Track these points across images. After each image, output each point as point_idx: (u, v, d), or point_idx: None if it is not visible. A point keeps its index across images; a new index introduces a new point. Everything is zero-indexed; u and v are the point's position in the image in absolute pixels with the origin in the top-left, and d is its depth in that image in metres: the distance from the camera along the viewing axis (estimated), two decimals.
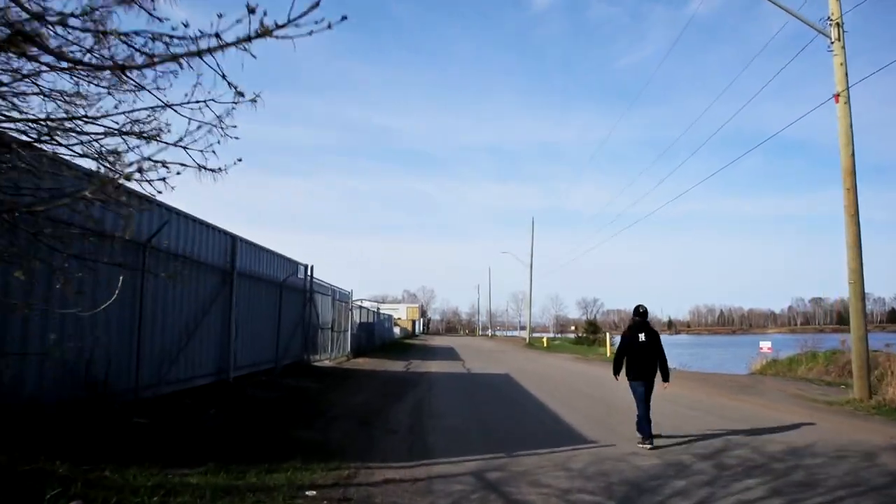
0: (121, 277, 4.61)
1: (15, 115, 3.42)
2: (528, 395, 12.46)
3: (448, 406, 10.44)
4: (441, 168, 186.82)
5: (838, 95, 11.45)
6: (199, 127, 3.21)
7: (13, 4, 2.57)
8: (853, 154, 11.28)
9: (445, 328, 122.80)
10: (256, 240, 13.26)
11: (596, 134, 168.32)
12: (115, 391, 6.62)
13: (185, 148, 3.08)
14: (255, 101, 3.22)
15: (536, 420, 9.21)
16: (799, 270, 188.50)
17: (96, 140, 3.38)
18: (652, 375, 7.47)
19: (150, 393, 7.51)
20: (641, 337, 7.52)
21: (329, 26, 2.28)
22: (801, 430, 8.27)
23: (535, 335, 57.21)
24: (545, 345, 46.81)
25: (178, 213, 8.49)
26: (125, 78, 3.01)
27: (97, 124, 3.25)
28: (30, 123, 3.39)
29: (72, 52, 2.83)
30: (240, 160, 3.19)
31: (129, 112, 3.26)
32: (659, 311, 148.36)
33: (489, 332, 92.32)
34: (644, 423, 7.17)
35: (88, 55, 2.84)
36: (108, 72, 2.84)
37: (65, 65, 2.85)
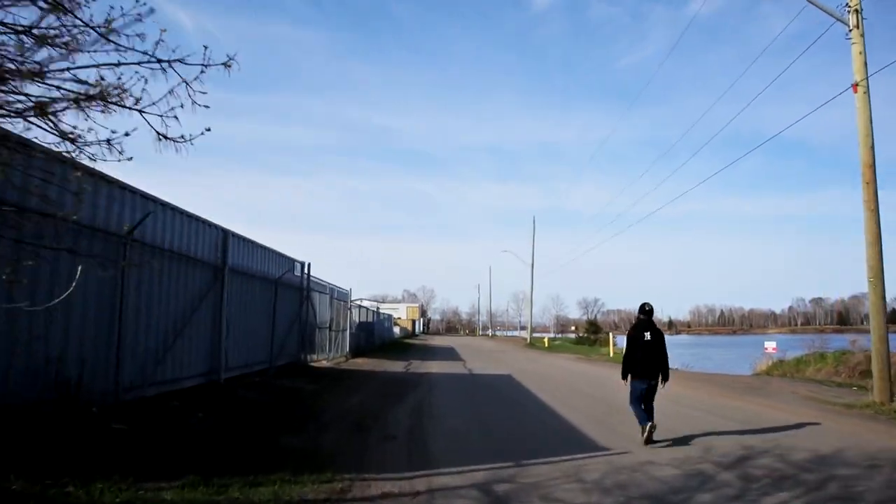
0: (80, 268, 4.14)
1: None
2: (533, 397, 11.98)
3: (450, 408, 9.96)
4: (441, 168, 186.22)
5: (857, 85, 10.96)
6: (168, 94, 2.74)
7: None
8: (872, 146, 10.80)
9: (446, 328, 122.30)
10: (257, 239, 12.82)
11: (596, 134, 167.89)
12: (92, 393, 6.15)
13: (140, 111, 2.60)
14: (229, 66, 2.75)
15: (543, 424, 8.73)
16: (799, 271, 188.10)
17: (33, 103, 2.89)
18: (656, 374, 7.32)
19: (133, 395, 7.03)
20: (647, 336, 7.36)
21: None
22: (824, 436, 7.79)
23: (536, 335, 56.74)
24: (546, 345, 46.34)
25: (164, 204, 8.01)
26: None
27: (40, 83, 2.76)
28: None
29: None
30: (208, 129, 2.73)
31: (72, 69, 2.77)
32: (659, 311, 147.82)
33: (489, 332, 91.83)
34: (641, 419, 7.25)
35: None
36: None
37: None
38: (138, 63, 2.60)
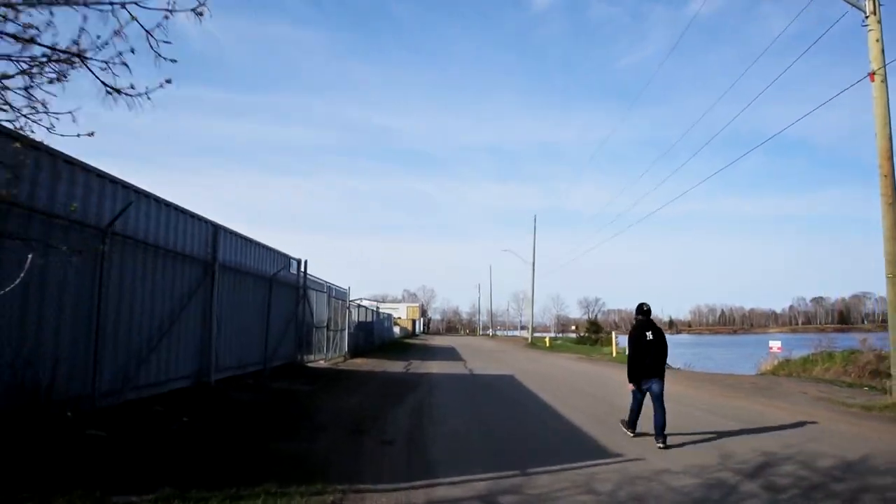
0: (29, 256, 3.71)
1: None
2: (537, 399, 11.54)
3: (450, 411, 9.52)
4: (441, 168, 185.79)
5: (874, 74, 10.54)
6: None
7: None
8: (890, 136, 10.38)
9: (446, 328, 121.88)
10: (257, 238, 12.43)
11: (596, 134, 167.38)
12: (66, 398, 5.72)
13: (80, 57, 2.16)
14: (201, 14, 2.31)
15: (548, 427, 8.30)
16: (800, 270, 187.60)
17: None
18: (660, 374, 7.25)
19: (113, 400, 6.60)
20: (649, 335, 7.30)
21: None
22: (847, 440, 7.37)
23: (537, 335, 56.31)
24: (548, 345, 45.90)
25: (149, 195, 7.58)
26: None
27: None
28: None
29: None
30: (168, 81, 2.28)
31: None
32: (660, 311, 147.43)
33: (490, 332, 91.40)
34: (634, 416, 7.33)
35: None
36: None
37: None
38: (84, 3, 2.17)
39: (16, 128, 2.60)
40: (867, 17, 10.62)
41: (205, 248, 9.29)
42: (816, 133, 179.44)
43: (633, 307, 7.92)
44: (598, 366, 22.40)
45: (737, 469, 5.83)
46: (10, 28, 2.15)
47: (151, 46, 2.35)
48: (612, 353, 30.04)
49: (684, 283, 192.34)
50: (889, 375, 11.17)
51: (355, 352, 23.01)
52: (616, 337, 35.34)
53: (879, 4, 10.58)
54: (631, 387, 7.37)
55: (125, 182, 6.92)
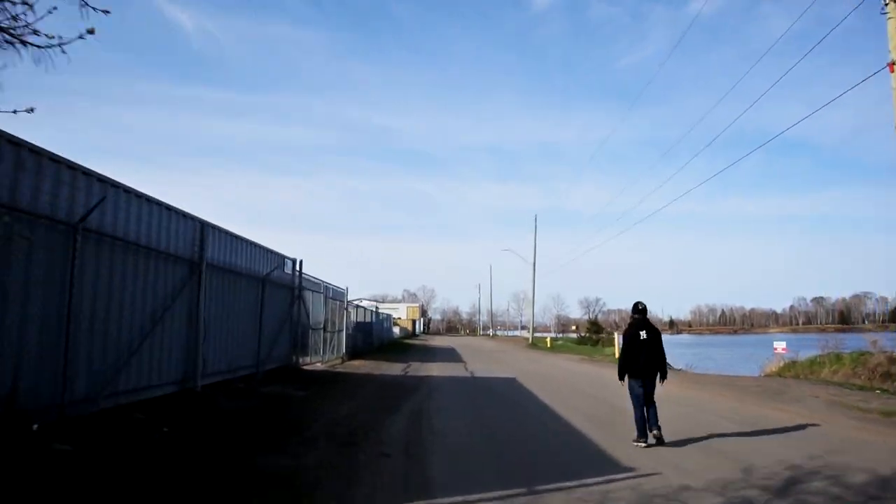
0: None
1: None
2: (540, 404, 11.06)
3: (451, 418, 9.03)
4: (441, 168, 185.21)
5: (893, 64, 10.05)
6: None
7: None
8: None
9: (446, 328, 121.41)
10: (257, 239, 12.02)
11: (596, 134, 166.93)
12: (32, 409, 5.24)
13: None
14: None
15: (555, 436, 7.81)
16: (800, 270, 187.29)
17: None
18: (653, 374, 7.23)
19: (86, 408, 6.11)
20: (643, 335, 7.26)
21: None
22: (875, 452, 6.89)
23: (537, 335, 55.84)
24: (549, 345, 45.43)
25: (128, 190, 7.09)
26: None
27: None
28: None
29: None
30: (91, 32, 1.80)
31: None
32: (660, 311, 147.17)
33: (490, 332, 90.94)
34: (640, 422, 7.04)
35: None
36: None
37: None
38: None
39: None
40: (886, 5, 10.14)
41: (191, 247, 8.81)
42: (818, 133, 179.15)
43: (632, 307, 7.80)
44: (600, 367, 21.93)
45: (762, 485, 5.35)
46: None
47: None
48: (614, 354, 29.56)
49: (685, 283, 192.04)
50: None
51: (353, 353, 22.54)
52: (617, 337, 34.88)
53: None
54: (622, 383, 7.41)
55: (100, 175, 6.44)
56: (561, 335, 79.30)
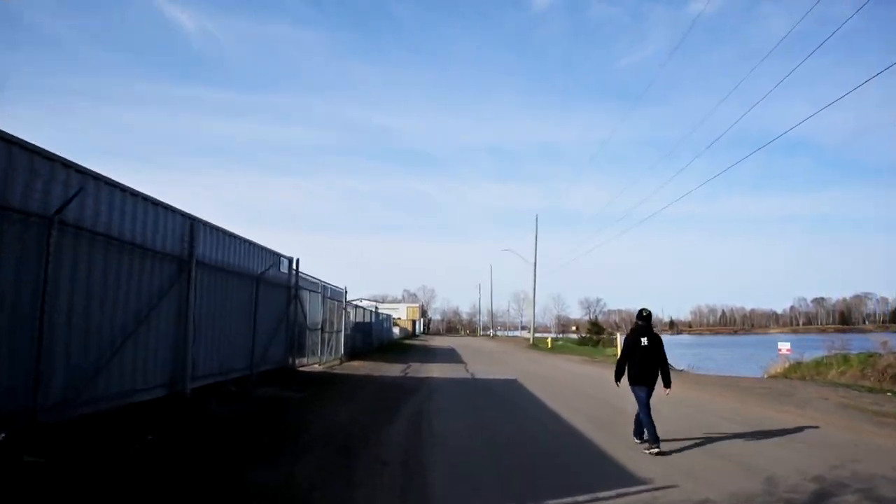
0: None
1: None
2: (545, 408, 10.67)
3: (452, 423, 8.62)
4: (441, 168, 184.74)
5: None
6: None
7: None
8: None
9: (446, 328, 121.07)
10: (257, 239, 11.66)
11: (596, 134, 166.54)
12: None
13: None
14: None
15: (563, 443, 7.41)
16: (800, 270, 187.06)
17: None
18: (654, 380, 7.25)
19: (62, 415, 5.71)
20: (644, 341, 7.27)
21: None
22: None
23: (538, 335, 55.46)
24: (549, 346, 45.05)
25: (112, 183, 6.68)
26: None
27: None
28: None
29: None
30: None
31: None
32: (660, 311, 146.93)
33: (490, 333, 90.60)
34: (651, 428, 6.87)
35: None
36: None
37: None
38: None
39: None
40: None
41: (180, 243, 8.41)
42: (819, 132, 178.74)
43: (634, 307, 8.19)
44: (603, 369, 21.55)
45: (789, 499, 4.97)
46: None
47: None
48: (615, 356, 29.21)
49: (685, 284, 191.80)
50: None
51: (352, 354, 22.15)
52: (619, 338, 34.52)
53: None
54: (617, 385, 7.44)
55: (79, 166, 6.04)
56: (561, 335, 78.95)
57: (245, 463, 5.72)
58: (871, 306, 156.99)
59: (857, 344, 23.89)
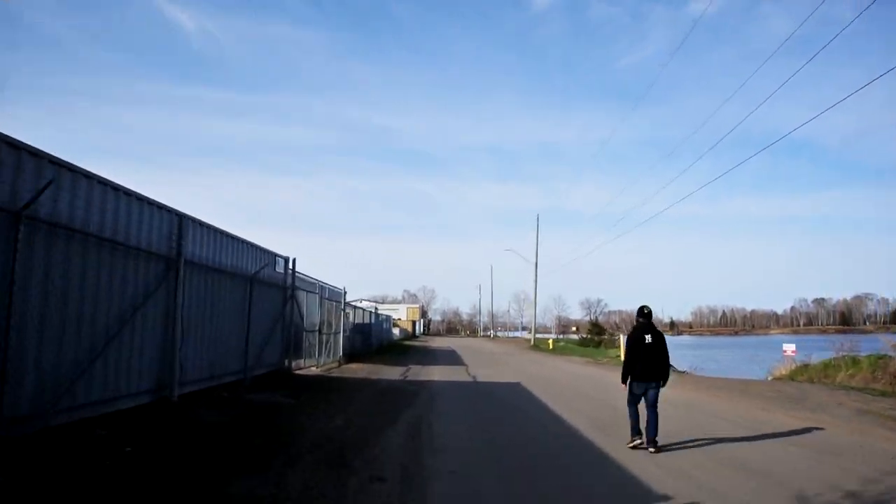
0: None
1: None
2: (551, 413, 10.22)
3: (454, 432, 8.15)
4: (441, 168, 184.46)
5: None
6: None
7: None
8: None
9: (446, 329, 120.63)
10: (256, 240, 11.25)
11: (596, 134, 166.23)
12: None
13: None
14: None
15: (573, 454, 6.94)
16: (801, 271, 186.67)
17: None
18: (658, 377, 7.22)
19: (31, 426, 5.28)
20: (648, 338, 7.25)
21: None
22: None
23: (539, 336, 55.02)
24: (550, 346, 44.60)
25: (88, 175, 6.25)
26: None
27: None
28: None
29: None
30: None
31: None
32: (661, 312, 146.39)
33: (490, 333, 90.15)
34: (634, 421, 7.09)
35: None
36: None
37: None
38: None
39: None
40: None
41: (167, 241, 7.98)
42: (821, 134, 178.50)
43: (634, 308, 7.80)
44: (607, 371, 21.09)
45: None
46: None
47: None
48: (619, 357, 28.75)
49: (685, 284, 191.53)
50: None
51: (351, 356, 21.71)
52: (621, 338, 34.07)
53: None
54: (624, 387, 7.40)
55: (53, 157, 5.61)
56: (562, 336, 78.51)
57: (230, 475, 5.26)
58: (871, 307, 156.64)
59: (865, 345, 23.43)
